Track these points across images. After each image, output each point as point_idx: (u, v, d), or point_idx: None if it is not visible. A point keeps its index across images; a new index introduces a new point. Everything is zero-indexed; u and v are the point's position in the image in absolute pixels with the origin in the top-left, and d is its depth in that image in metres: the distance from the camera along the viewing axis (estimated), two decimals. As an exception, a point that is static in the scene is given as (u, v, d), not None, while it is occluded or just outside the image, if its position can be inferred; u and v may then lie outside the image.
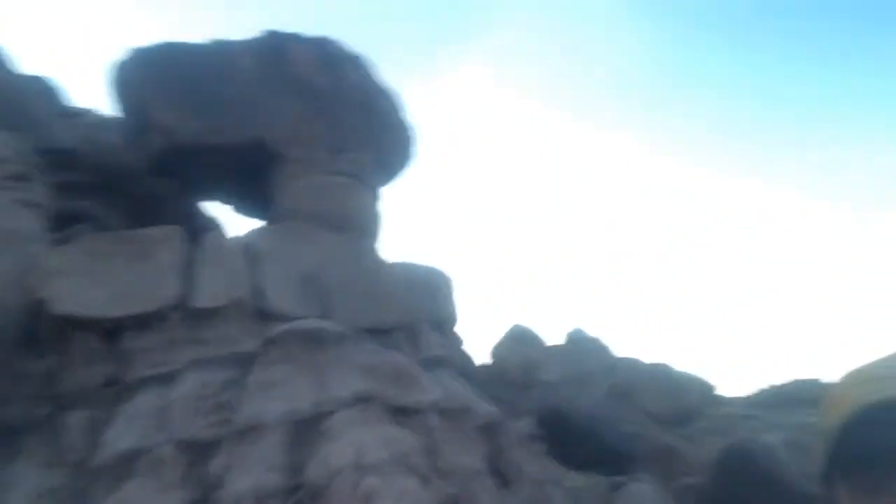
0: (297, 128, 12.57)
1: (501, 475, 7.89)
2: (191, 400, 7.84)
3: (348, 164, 12.32)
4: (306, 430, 7.13)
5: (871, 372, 0.95)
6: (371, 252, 10.69)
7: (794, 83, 77.44)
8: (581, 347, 31.22)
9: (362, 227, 11.87)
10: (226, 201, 14.17)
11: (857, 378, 0.96)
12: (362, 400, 6.78)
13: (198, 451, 7.38)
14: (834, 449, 0.93)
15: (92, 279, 9.09)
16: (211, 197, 14.18)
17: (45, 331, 9.30)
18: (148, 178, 13.69)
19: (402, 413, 7.14)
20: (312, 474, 6.15)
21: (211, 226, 15.05)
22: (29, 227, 10.66)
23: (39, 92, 14.74)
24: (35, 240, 10.62)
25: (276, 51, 13.00)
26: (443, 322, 10.76)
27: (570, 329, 32.67)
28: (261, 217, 14.18)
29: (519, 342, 30.67)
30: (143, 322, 9.07)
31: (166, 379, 8.48)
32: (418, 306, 10.18)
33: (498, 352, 28.72)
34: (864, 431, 0.87)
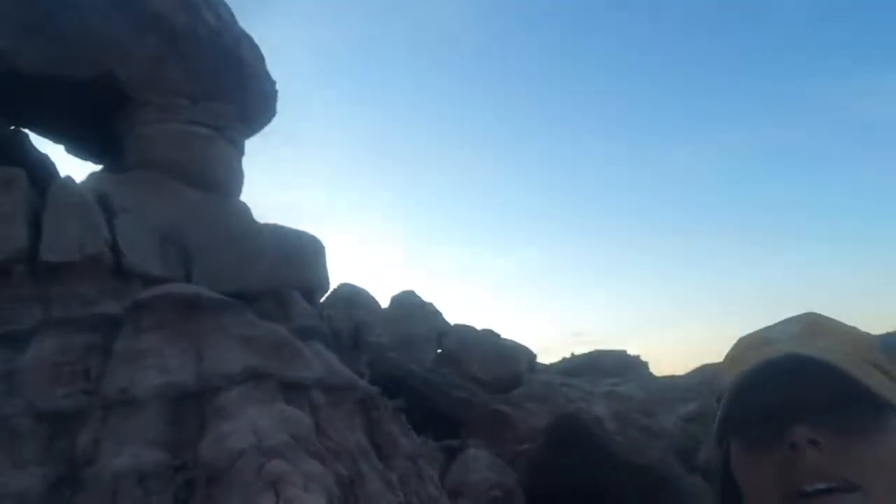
0: (154, 69, 11.57)
1: (379, 449, 7.90)
2: (46, 366, 7.10)
3: (209, 115, 11.57)
4: (187, 405, 6.71)
5: (763, 336, 1.00)
6: (237, 211, 10.16)
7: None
8: (410, 311, 31.67)
9: (224, 183, 11.23)
10: (58, 140, 12.83)
11: (750, 341, 1.01)
12: (254, 376, 6.48)
13: (59, 424, 6.72)
14: (726, 409, 0.95)
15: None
16: (40, 132, 12.75)
17: None
18: None
19: (288, 389, 6.91)
20: (208, 454, 5.82)
21: (41, 163, 13.61)
22: None
23: None
24: None
25: (131, -20, 11.84)
26: (313, 289, 10.49)
27: (399, 291, 32.89)
28: (96, 160, 12.99)
29: (348, 302, 30.52)
30: (-19, 274, 8.06)
31: (12, 339, 7.61)
32: (287, 272, 9.85)
33: (326, 310, 28.30)
34: (752, 391, 0.90)
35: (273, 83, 13.60)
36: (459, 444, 18.82)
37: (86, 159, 12.97)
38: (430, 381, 22.17)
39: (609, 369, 29.88)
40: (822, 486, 0.84)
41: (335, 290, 30.65)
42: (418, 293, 33.05)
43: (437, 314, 31.13)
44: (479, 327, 28.75)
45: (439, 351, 28.50)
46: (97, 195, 9.19)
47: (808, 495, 0.84)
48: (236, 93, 12.41)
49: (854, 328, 1.01)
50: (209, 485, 5.71)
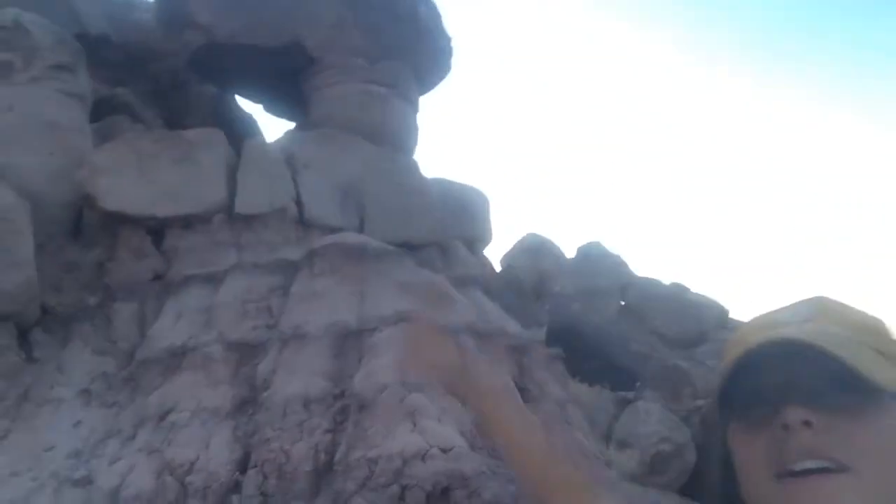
0: (335, 33, 12.47)
1: (526, 392, 8.32)
2: (237, 303, 8.22)
3: (385, 74, 12.30)
4: (349, 342, 7.52)
5: (771, 317, 1.01)
6: (409, 166, 10.86)
7: None
8: (596, 262, 31.45)
9: (399, 139, 11.98)
10: (256, 100, 14.23)
11: (758, 322, 1.01)
12: (404, 319, 7.12)
13: (245, 352, 7.81)
14: (726, 386, 0.98)
15: (138, 178, 9.33)
16: (242, 94, 14.23)
17: (98, 227, 9.63)
18: (175, 62, 13.68)
19: (437, 331, 7.49)
20: (359, 386, 6.56)
21: (243, 122, 15.18)
22: (72, 118, 10.82)
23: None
24: (78, 131, 10.81)
25: (316, -50, 12.73)
26: (475, 240, 11.03)
27: (585, 242, 32.67)
28: (289, 118, 14.28)
29: (533, 253, 30.85)
30: (188, 222, 9.38)
31: (211, 279, 8.85)
32: (452, 224, 10.43)
33: (510, 260, 28.80)
34: (753, 369, 0.92)
35: (449, 39, 14.10)
36: (633, 396, 18.78)
37: (281, 117, 14.34)
38: (607, 332, 22.19)
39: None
40: (812, 465, 0.86)
41: (521, 240, 31.13)
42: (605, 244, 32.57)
43: (623, 266, 30.63)
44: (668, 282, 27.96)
45: (622, 303, 28.21)
46: (285, 153, 10.25)
47: (798, 474, 0.87)
48: (412, 51, 13.06)
49: (863, 313, 1.02)
50: (360, 412, 6.46)
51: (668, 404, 17.67)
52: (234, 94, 14.08)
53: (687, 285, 27.88)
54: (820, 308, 1.01)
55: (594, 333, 22.15)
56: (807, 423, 0.87)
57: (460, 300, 8.50)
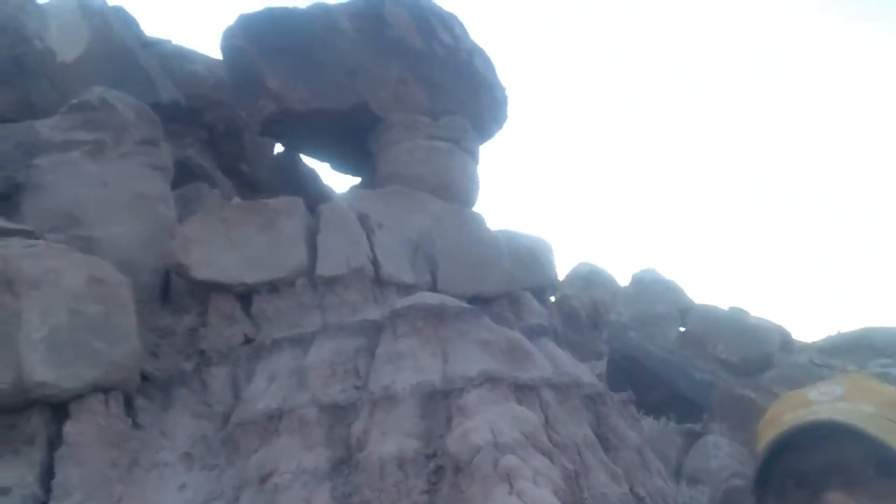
0: (398, 91, 13.03)
1: (605, 441, 8.56)
2: (326, 365, 8.68)
3: (448, 129, 12.79)
4: (435, 402, 7.90)
5: (805, 396, 1.02)
6: (476, 220, 11.28)
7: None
8: (652, 289, 31.32)
9: (463, 192, 12.43)
10: (323, 158, 14.86)
11: (792, 401, 1.03)
12: (490, 380, 7.48)
13: (337, 414, 8.24)
14: (765, 467, 0.99)
15: (227, 247, 9.92)
16: (309, 153, 14.87)
17: (186, 293, 10.24)
18: (229, 110, 14.42)
19: (520, 390, 7.83)
20: (453, 448, 6.91)
21: (306, 176, 15.81)
22: (158, 189, 11.54)
23: (144, 45, 15.49)
24: (163, 201, 11.51)
25: (374, 13, 13.34)
26: (543, 289, 11.36)
27: (640, 269, 32.57)
28: (354, 174, 14.86)
29: (587, 281, 30.84)
30: (273, 287, 9.92)
31: (299, 342, 9.34)
32: (521, 275, 10.78)
33: (563, 290, 28.81)
34: (788, 451, 0.92)
35: (503, 90, 14.57)
36: (701, 427, 18.73)
37: (346, 173, 14.94)
38: (669, 361, 22.13)
39: (880, 348, 27.25)
40: None
41: (573, 269, 31.15)
42: (659, 271, 32.46)
43: (680, 291, 30.53)
44: (725, 306, 27.73)
45: (682, 329, 28.03)
46: (358, 213, 10.76)
47: None
48: (471, 104, 13.56)
49: (893, 389, 1.02)
50: (455, 474, 6.81)
51: (736, 434, 17.61)
52: (304, 153, 14.74)
53: (745, 309, 27.68)
54: (855, 386, 1.02)
55: (656, 363, 22.15)
56: None
57: (537, 354, 8.82)
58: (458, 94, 13.39)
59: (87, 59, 13.36)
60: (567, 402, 8.33)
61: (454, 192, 12.18)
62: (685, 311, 28.71)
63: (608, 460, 8.16)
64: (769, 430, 1.01)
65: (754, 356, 24.57)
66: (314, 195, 13.94)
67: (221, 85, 14.74)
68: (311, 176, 15.89)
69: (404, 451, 7.40)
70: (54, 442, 8.33)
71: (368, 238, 10.48)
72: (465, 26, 14.31)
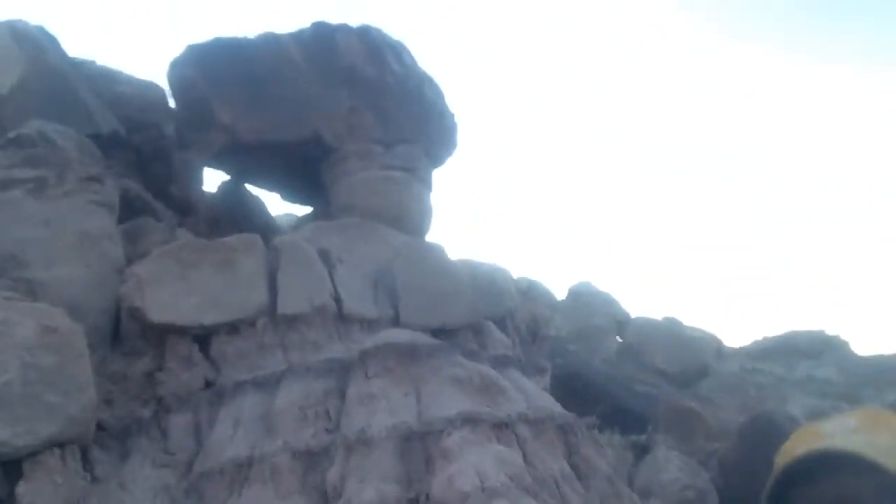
0: (351, 121, 12.92)
1: (576, 470, 8.63)
2: (296, 408, 8.47)
3: (402, 158, 12.74)
4: (413, 444, 7.80)
5: (820, 428, 1.04)
6: (436, 251, 11.23)
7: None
8: (588, 302, 31.80)
9: (419, 221, 12.39)
10: (272, 190, 14.60)
11: (807, 431, 1.05)
12: (470, 420, 7.44)
13: (310, 460, 8.05)
14: (776, 491, 1.02)
15: (182, 288, 9.59)
16: (258, 185, 14.59)
17: (138, 335, 9.85)
18: (155, 132, 14.03)
19: (497, 427, 7.82)
20: (439, 493, 6.84)
21: (250, 205, 15.47)
22: (103, 227, 11.07)
23: (82, 76, 14.90)
24: (109, 239, 11.06)
25: (324, 42, 13.20)
26: (505, 319, 11.40)
27: (575, 282, 33.00)
28: (305, 203, 14.65)
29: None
30: (233, 328, 9.64)
31: (263, 384, 9.09)
32: (483, 305, 10.79)
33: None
34: (801, 480, 0.95)
35: (453, 116, 14.62)
36: (646, 440, 19.04)
37: (297, 203, 14.70)
38: (612, 376, 22.52)
39: (804, 350, 28.36)
40: None
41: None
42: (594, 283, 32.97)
43: (615, 304, 31.13)
44: (659, 317, 28.38)
45: (619, 340, 28.55)
46: (318, 248, 10.58)
47: None
48: (423, 133, 13.54)
49: None
50: (442, 522, 6.74)
51: (681, 445, 18.03)
52: (253, 184, 14.43)
53: (678, 318, 28.41)
54: (870, 419, 1.03)
55: (599, 378, 22.48)
56: None
57: (510, 388, 8.83)
58: (409, 122, 13.36)
59: (21, 89, 12.75)
60: (542, 436, 8.36)
61: (411, 221, 12.14)
62: (622, 323, 29.32)
63: (584, 491, 8.22)
64: (781, 459, 1.02)
65: (691, 366, 25.27)
66: (260, 226, 13.66)
67: (149, 107, 14.33)
68: (257, 205, 15.56)
69: (385, 497, 7.27)
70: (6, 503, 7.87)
71: (330, 274, 10.31)
72: (413, 55, 14.32)
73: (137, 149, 14.83)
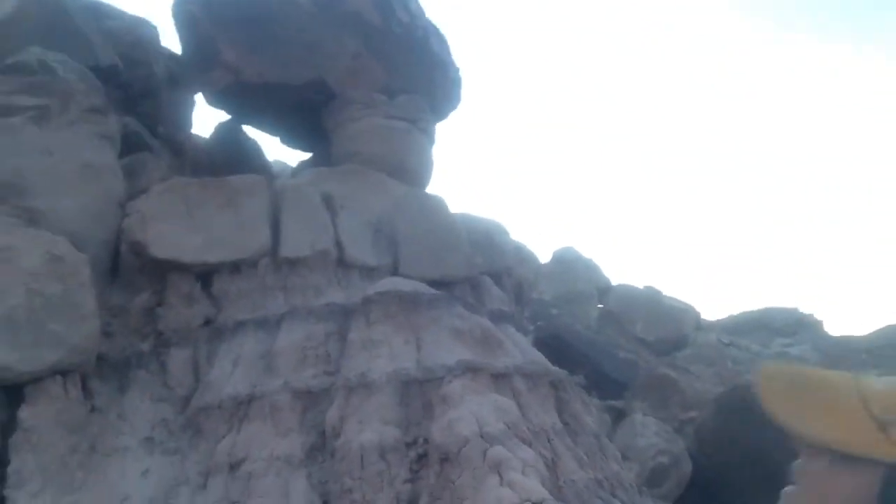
0: (355, 68, 12.82)
1: (567, 426, 8.86)
2: (297, 350, 8.58)
3: (405, 108, 12.71)
4: (412, 389, 7.96)
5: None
6: (437, 203, 11.28)
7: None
8: (572, 267, 32.00)
9: (419, 173, 12.42)
10: (274, 133, 14.49)
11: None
12: (470, 369, 7.59)
13: (310, 400, 8.19)
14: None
15: (187, 225, 9.59)
16: (259, 127, 14.47)
17: (137, 270, 9.86)
18: (146, 69, 13.88)
19: (494, 378, 7.99)
20: (439, 437, 7.00)
21: (247, 147, 15.37)
22: (106, 159, 10.98)
23: (84, 7, 14.58)
24: (112, 172, 10.98)
25: (331, -14, 13.02)
26: (501, 274, 11.53)
27: (560, 247, 33.14)
28: (305, 149, 14.58)
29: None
30: (236, 268, 9.68)
31: (263, 324, 9.18)
32: (480, 259, 10.90)
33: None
34: None
35: (457, 70, 14.54)
36: (623, 405, 19.41)
37: (297, 148, 14.62)
38: (594, 341, 22.84)
39: (779, 328, 28.81)
40: None
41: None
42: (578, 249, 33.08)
43: (598, 270, 31.37)
44: (640, 285, 28.66)
45: (600, 306, 28.86)
46: (321, 194, 10.59)
47: None
48: (427, 84, 13.49)
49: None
50: (442, 464, 6.92)
51: (658, 412, 18.46)
52: (254, 126, 14.31)
53: (658, 288, 28.74)
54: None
55: (582, 343, 22.80)
56: None
57: (507, 341, 9.00)
58: (414, 72, 13.29)
59: (19, 15, 12.47)
60: (536, 390, 8.56)
61: (411, 172, 12.16)
62: (603, 290, 29.60)
63: (574, 446, 8.45)
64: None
65: (670, 336, 25.67)
66: (257, 169, 13.58)
67: (139, 44, 14.12)
68: (254, 148, 15.45)
69: (385, 439, 7.44)
70: (6, 427, 7.94)
71: (332, 220, 10.35)
72: (421, 4, 14.17)
73: (127, 86, 14.62)
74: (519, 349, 9.17)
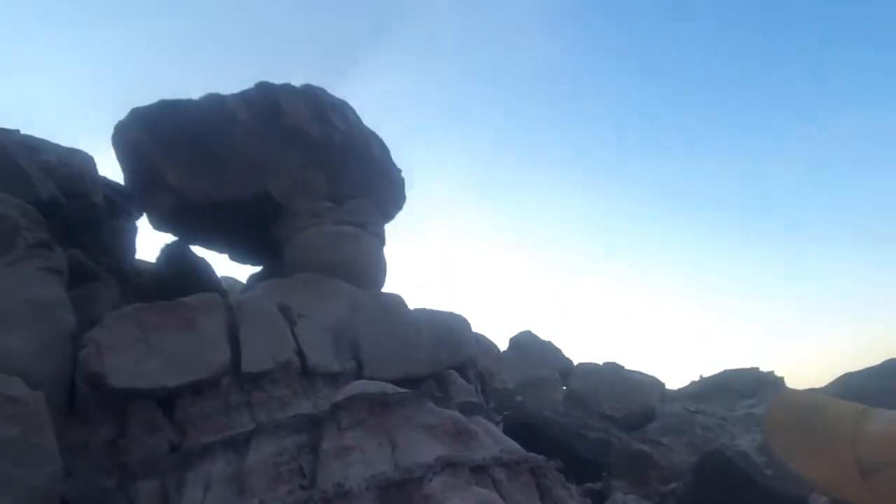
0: (300, 180, 13.05)
1: (551, 513, 8.71)
2: (269, 467, 8.36)
3: (353, 213, 12.90)
4: (392, 493, 7.79)
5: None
6: (394, 302, 11.34)
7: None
8: (530, 352, 32.03)
9: (373, 275, 12.50)
10: (222, 250, 14.50)
11: None
12: (450, 465, 7.50)
13: (288, 519, 7.92)
14: None
15: (143, 351, 9.41)
16: (207, 246, 14.46)
17: (95, 403, 9.56)
18: (84, 202, 13.82)
19: (473, 471, 7.90)
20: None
21: (196, 266, 15.28)
22: (54, 294, 10.80)
23: (19, 143, 14.61)
24: (61, 306, 10.78)
25: (269, 103, 13.34)
26: (466, 367, 11.53)
27: (516, 332, 33.16)
28: (254, 263, 14.58)
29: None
30: (197, 389, 9.48)
31: (231, 444, 8.94)
32: (445, 354, 10.92)
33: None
34: None
35: (399, 171, 14.90)
36: (601, 486, 19.17)
37: (245, 263, 14.61)
38: (564, 425, 22.70)
39: (741, 389, 29.02)
40: None
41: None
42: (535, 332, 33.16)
43: (557, 352, 31.47)
44: (600, 361, 28.78)
45: (564, 388, 28.79)
46: (277, 305, 10.56)
47: None
48: (372, 188, 13.76)
49: None
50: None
51: (636, 489, 18.25)
52: (201, 245, 14.30)
53: (619, 363, 28.91)
54: None
55: (552, 428, 22.60)
56: None
57: (481, 433, 8.93)
58: (358, 178, 13.57)
59: (-44, 158, 12.43)
60: (517, 479, 8.46)
61: (365, 275, 12.24)
62: (565, 371, 29.63)
63: (559, 532, 8.32)
64: None
65: (637, 410, 25.65)
66: (208, 287, 13.49)
67: (76, 174, 14.13)
68: (204, 266, 15.38)
69: (370, 549, 7.22)
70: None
71: (291, 329, 10.29)
72: (357, 113, 14.61)
73: (68, 218, 14.53)
74: (493, 439, 9.10)
